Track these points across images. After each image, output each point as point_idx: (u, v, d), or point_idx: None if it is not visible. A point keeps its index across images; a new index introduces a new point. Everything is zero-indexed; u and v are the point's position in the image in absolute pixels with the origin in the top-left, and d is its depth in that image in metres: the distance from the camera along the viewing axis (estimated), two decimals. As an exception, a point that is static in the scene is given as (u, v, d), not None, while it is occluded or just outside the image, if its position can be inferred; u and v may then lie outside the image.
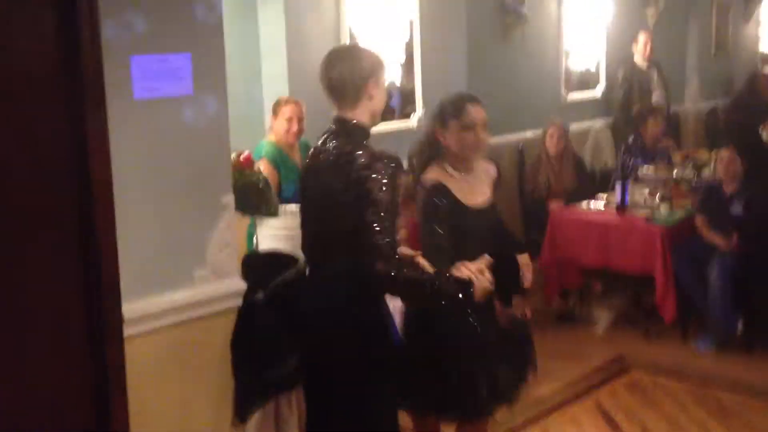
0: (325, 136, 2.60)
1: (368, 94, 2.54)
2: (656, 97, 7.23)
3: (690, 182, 5.72)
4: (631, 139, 6.16)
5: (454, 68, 5.80)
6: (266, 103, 4.78)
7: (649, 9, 8.01)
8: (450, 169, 2.87)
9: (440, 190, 2.82)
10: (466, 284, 2.47)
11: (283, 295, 2.72)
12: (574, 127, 6.87)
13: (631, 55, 7.29)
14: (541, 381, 4.39)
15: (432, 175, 2.87)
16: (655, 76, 7.31)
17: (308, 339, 2.60)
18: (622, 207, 5.24)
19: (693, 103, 8.69)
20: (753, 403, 4.28)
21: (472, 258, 2.59)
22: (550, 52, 6.90)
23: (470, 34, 5.91)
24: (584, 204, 5.45)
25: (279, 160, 4.28)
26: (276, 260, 2.89)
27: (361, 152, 2.45)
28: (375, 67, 2.57)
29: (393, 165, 2.45)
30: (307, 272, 2.67)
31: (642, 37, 7.27)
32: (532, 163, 5.92)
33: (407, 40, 5.51)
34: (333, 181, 2.48)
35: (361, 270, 2.41)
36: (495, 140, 6.24)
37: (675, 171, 5.74)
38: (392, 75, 5.33)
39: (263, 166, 4.04)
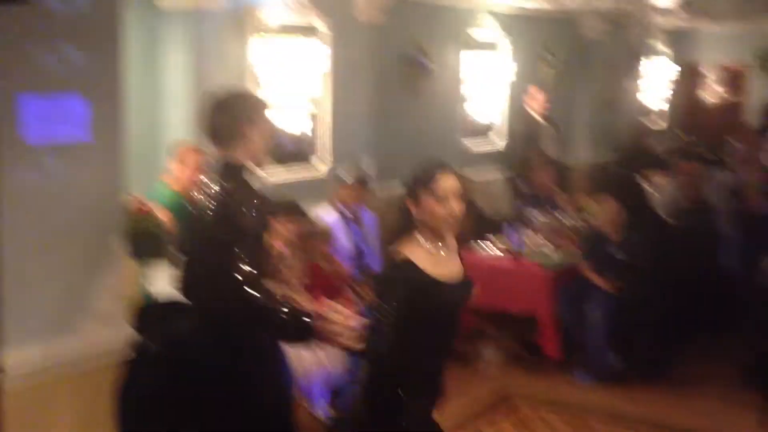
0: (209, 178, 2.67)
1: (242, 134, 2.60)
2: (549, 149, 7.73)
3: (576, 230, 6.16)
4: (523, 187, 6.61)
5: (361, 118, 6.10)
6: (165, 148, 4.80)
7: (546, 66, 8.57)
8: (423, 242, 2.67)
9: (405, 269, 2.60)
10: (304, 322, 2.53)
11: (179, 347, 2.67)
12: (474, 176, 7.30)
13: (527, 109, 7.80)
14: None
15: (403, 249, 2.65)
16: (548, 129, 7.82)
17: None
18: (516, 252, 5.62)
19: (583, 155, 9.28)
20: (624, 430, 4.64)
21: (441, 333, 2.65)
22: (454, 104, 7.34)
23: (375, 85, 6.25)
24: (477, 248, 5.81)
25: (178, 207, 4.19)
26: (173, 310, 2.78)
27: (241, 191, 2.57)
28: (250, 107, 2.66)
29: (270, 203, 2.65)
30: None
31: (538, 94, 7.77)
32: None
33: (316, 89, 5.75)
34: (210, 219, 2.55)
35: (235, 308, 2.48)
36: (398, 189, 6.61)
37: (564, 219, 6.18)
38: (301, 123, 5.58)
39: (161, 213, 4.03)
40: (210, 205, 2.58)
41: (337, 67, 5.80)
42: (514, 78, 7.95)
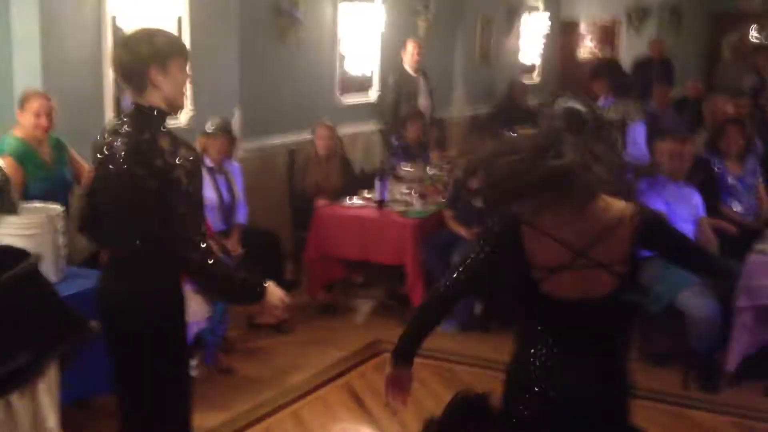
0: (119, 121, 2.57)
1: (152, 82, 2.48)
2: (422, 102, 7.81)
3: (444, 181, 6.27)
4: (394, 141, 6.66)
5: (226, 68, 5.97)
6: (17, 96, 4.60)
7: (420, 19, 8.61)
8: None
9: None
10: (259, 294, 2.58)
11: (13, 290, 2.67)
12: (349, 129, 7.32)
13: (401, 62, 7.83)
14: (298, 369, 4.77)
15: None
16: (422, 82, 7.88)
17: (108, 324, 2.65)
18: (380, 203, 5.68)
19: (458, 108, 9.43)
20: (485, 372, 4.79)
21: None
22: (326, 56, 7.28)
23: (243, 35, 6.10)
24: (347, 201, 5.84)
25: (24, 156, 4.22)
26: (6, 255, 2.81)
27: (163, 138, 2.46)
28: (159, 52, 2.49)
29: (195, 152, 2.53)
30: (107, 262, 2.68)
31: (410, 46, 7.79)
32: (302, 163, 6.24)
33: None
34: (134, 167, 2.43)
35: (169, 257, 2.48)
36: (267, 142, 6.56)
37: (429, 169, 6.27)
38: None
39: (5, 163, 3.94)
40: (138, 156, 2.46)
41: (196, 13, 5.61)
42: (388, 30, 7.94)
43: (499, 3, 10.23)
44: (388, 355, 4.96)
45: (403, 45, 7.78)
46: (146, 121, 2.51)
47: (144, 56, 2.48)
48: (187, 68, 2.60)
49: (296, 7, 6.64)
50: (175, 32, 5.50)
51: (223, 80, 5.90)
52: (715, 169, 5.50)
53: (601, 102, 6.14)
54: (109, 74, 5.07)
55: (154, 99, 2.52)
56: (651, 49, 10.77)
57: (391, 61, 7.89)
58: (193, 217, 2.48)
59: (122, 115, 2.61)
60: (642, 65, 10.62)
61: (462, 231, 5.43)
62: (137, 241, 2.51)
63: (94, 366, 3.29)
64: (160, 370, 2.63)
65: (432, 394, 4.53)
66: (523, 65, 11.06)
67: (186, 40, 5.64)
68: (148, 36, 2.54)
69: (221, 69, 5.92)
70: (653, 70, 10.33)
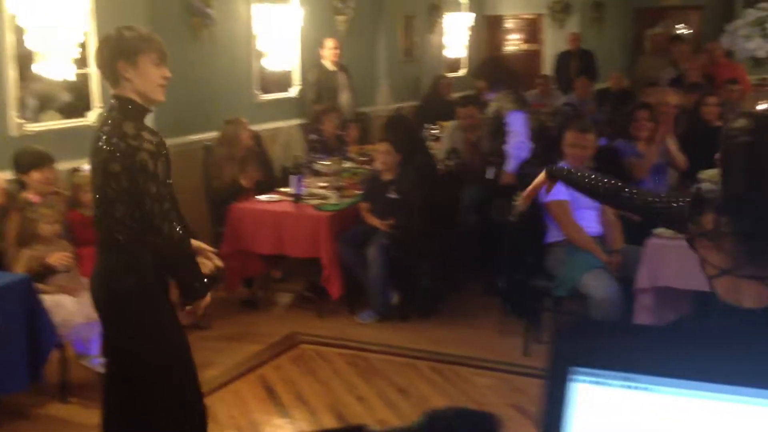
0: (104, 113, 2.80)
1: (122, 76, 2.66)
2: (344, 98, 7.86)
3: (361, 174, 6.34)
4: (313, 136, 6.70)
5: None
6: None
7: (340, 16, 8.66)
8: None
9: None
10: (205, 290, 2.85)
11: None
12: (269, 125, 7.34)
13: (321, 59, 7.87)
14: (214, 364, 4.77)
15: None
16: (342, 79, 7.93)
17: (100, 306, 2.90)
18: (296, 197, 5.71)
19: (382, 104, 9.51)
20: (398, 361, 4.89)
21: None
22: (242, 53, 7.27)
23: (155, 32, 6.07)
24: (263, 196, 5.86)
25: None
26: None
27: (127, 124, 2.64)
28: (127, 47, 2.67)
29: (158, 136, 2.70)
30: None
31: (330, 43, 7.85)
32: (219, 160, 6.22)
33: (83, 34, 5.50)
34: (106, 153, 2.65)
35: (148, 239, 2.68)
36: (183, 139, 6.53)
37: (346, 163, 6.33)
38: (63, 70, 5.35)
39: None
40: (110, 142, 2.66)
41: (102, 10, 5.56)
42: (308, 27, 7.97)
43: (421, 0, 10.34)
44: (305, 347, 5.07)
45: (323, 41, 7.83)
46: (123, 110, 2.69)
47: (113, 51, 2.68)
48: (163, 64, 2.79)
49: (208, 5, 6.62)
50: (80, 30, 5.49)
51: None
52: (628, 155, 5.67)
53: (486, 98, 6.27)
54: (12, 73, 5.01)
55: (127, 92, 2.69)
56: (569, 42, 11.01)
57: (312, 57, 7.93)
58: (165, 197, 2.66)
59: (106, 108, 2.85)
60: (563, 58, 10.85)
61: (377, 223, 5.50)
62: (113, 225, 2.72)
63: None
64: (149, 342, 2.85)
65: (345, 383, 4.59)
66: (449, 60, 11.19)
67: (94, 38, 5.61)
68: (119, 32, 2.72)
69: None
70: (573, 63, 10.57)
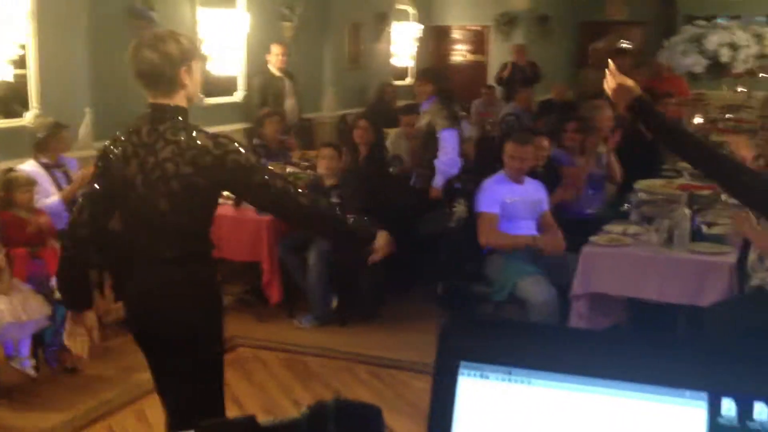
0: (137, 123, 2.61)
1: (181, 83, 2.53)
2: (289, 104, 7.87)
3: (304, 179, 6.34)
4: (255, 140, 6.69)
5: (76, 68, 5.87)
6: None
7: (286, 23, 8.67)
8: None
9: None
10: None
11: None
12: (213, 130, 7.27)
13: (267, 65, 7.87)
14: (146, 368, 4.70)
15: None
16: (288, 85, 7.95)
17: (141, 323, 2.73)
18: (237, 201, 5.69)
19: (328, 111, 9.54)
20: (336, 365, 4.91)
21: None
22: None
23: (94, 35, 6.02)
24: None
25: None
26: None
27: (199, 135, 2.54)
28: (186, 54, 2.54)
29: (109, 142, 2.65)
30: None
31: (275, 49, 7.85)
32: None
33: (23, 35, 5.44)
34: (175, 167, 2.49)
35: (200, 255, 2.67)
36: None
37: (288, 168, 6.33)
38: (1, 71, 5.28)
39: None
40: (179, 156, 2.53)
41: (44, 11, 5.50)
42: (254, 33, 7.97)
43: (367, 9, 10.41)
44: (243, 350, 5.05)
45: (270, 47, 7.83)
46: (174, 119, 2.56)
47: (175, 58, 2.52)
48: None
49: (151, 8, 6.57)
50: (19, 32, 5.41)
51: (73, 80, 5.80)
52: (565, 165, 5.79)
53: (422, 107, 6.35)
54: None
55: (178, 99, 2.57)
56: (514, 54, 11.20)
57: (258, 63, 7.92)
58: (276, 175, 2.66)
59: (143, 116, 2.66)
60: (507, 69, 11.03)
61: (317, 228, 5.50)
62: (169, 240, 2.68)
63: None
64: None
65: (281, 386, 4.60)
66: (396, 69, 11.27)
67: (33, 39, 5.54)
68: (174, 38, 2.58)
69: (71, 68, 5.82)
70: (517, 74, 10.75)
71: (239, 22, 7.75)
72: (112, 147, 2.64)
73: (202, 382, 2.72)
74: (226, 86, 7.80)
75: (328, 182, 5.67)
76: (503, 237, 4.84)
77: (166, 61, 2.51)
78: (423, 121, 6.12)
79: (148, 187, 2.56)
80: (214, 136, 2.59)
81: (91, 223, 2.63)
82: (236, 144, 2.60)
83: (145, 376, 4.50)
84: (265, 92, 7.71)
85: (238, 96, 7.94)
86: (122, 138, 2.63)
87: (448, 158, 5.92)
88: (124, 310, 2.85)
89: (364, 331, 5.47)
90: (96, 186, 2.66)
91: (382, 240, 2.84)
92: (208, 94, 7.50)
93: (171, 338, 2.66)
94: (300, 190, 2.67)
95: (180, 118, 2.58)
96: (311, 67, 9.20)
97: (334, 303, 5.63)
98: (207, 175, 2.52)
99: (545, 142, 5.62)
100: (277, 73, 7.84)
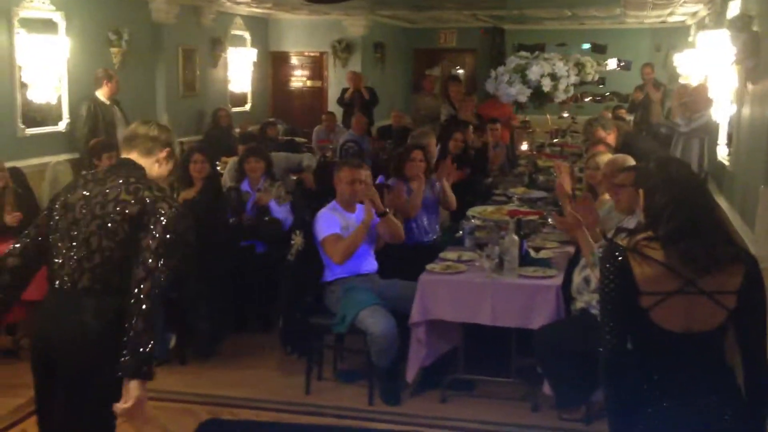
0: (93, 172, 3.07)
1: (158, 160, 3.03)
2: (121, 132, 7.55)
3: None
4: (86, 169, 6.36)
5: None
6: None
7: (114, 48, 8.34)
8: None
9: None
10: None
11: None
12: (35, 161, 6.92)
13: (95, 92, 7.54)
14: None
15: None
16: (117, 112, 7.64)
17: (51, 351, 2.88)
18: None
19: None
20: (175, 407, 4.70)
21: None
22: (4, 84, 6.80)
23: None
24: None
25: None
26: None
27: (149, 184, 2.93)
28: (170, 142, 3.06)
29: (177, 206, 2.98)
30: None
31: (101, 74, 7.54)
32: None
33: None
34: (121, 203, 2.85)
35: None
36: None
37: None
38: None
39: None
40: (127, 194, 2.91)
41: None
42: (77, 59, 7.62)
43: (200, 34, 10.22)
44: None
45: (95, 73, 7.52)
46: (134, 170, 2.98)
47: (167, 140, 3.09)
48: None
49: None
50: None
51: None
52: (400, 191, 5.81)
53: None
54: None
55: (148, 167, 3.03)
56: (348, 80, 11.35)
57: (84, 90, 7.57)
58: (160, 255, 2.98)
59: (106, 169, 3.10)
60: (343, 95, 11.18)
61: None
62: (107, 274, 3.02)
63: None
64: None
65: None
66: (234, 95, 11.12)
67: None
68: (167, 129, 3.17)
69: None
70: (356, 100, 10.89)
71: (59, 48, 7.38)
72: None
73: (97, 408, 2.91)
74: (49, 115, 7.38)
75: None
76: (350, 239, 4.80)
77: (159, 139, 3.07)
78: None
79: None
80: (164, 195, 3.01)
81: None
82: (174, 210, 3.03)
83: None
84: (95, 121, 7.38)
85: (62, 125, 7.53)
86: None
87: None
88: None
89: (204, 369, 5.29)
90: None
91: (134, 391, 2.82)
92: (29, 124, 7.09)
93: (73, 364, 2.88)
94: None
95: (138, 169, 3.04)
96: (143, 93, 8.91)
97: (172, 341, 5.41)
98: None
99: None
100: (107, 101, 7.52)
